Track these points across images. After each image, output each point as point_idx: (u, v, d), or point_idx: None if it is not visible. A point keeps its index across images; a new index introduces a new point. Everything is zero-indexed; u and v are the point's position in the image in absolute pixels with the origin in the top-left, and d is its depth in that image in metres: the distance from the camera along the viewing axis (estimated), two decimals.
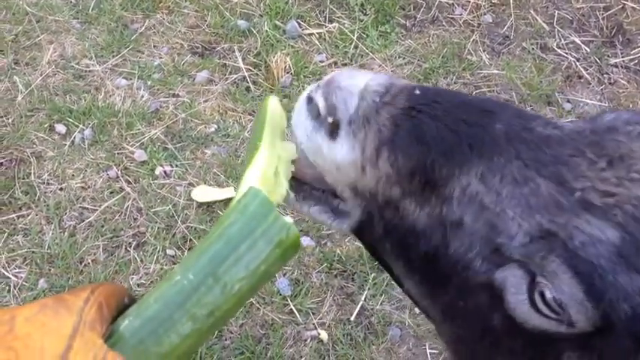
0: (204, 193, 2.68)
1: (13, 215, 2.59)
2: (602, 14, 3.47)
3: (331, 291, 2.48)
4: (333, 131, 0.93)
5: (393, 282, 1.24)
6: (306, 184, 1.03)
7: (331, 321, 2.42)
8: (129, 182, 2.71)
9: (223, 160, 2.79)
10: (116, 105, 2.95)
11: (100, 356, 0.71)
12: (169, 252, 2.53)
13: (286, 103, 2.99)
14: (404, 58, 3.25)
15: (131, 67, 3.11)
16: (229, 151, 2.83)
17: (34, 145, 2.79)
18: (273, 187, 0.92)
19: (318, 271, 2.52)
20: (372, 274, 2.50)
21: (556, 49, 3.34)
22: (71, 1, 3.35)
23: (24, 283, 2.43)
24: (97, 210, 2.62)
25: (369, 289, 2.48)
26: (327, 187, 1.01)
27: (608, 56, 3.34)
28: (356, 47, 3.26)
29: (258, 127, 0.98)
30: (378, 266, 2.00)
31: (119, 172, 2.73)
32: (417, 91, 0.91)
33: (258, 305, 2.42)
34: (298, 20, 3.32)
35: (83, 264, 2.49)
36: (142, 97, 3.00)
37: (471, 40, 3.34)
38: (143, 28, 3.26)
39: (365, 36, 3.30)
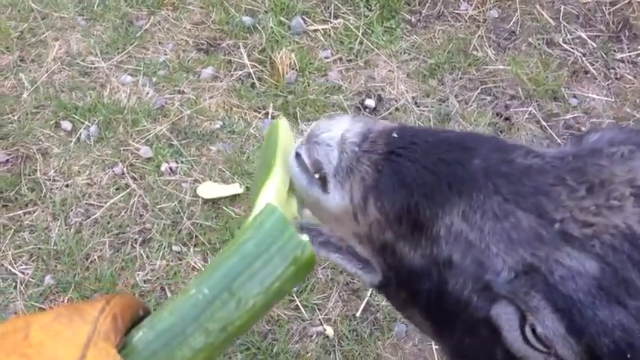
0: (209, 190, 2.68)
1: (20, 212, 2.60)
2: (609, 9, 3.45)
3: (337, 287, 2.48)
4: (323, 184, 0.95)
5: None
6: (322, 233, 1.05)
7: (337, 317, 2.42)
8: (134, 179, 2.72)
9: (229, 157, 2.79)
10: (121, 102, 2.95)
11: None
12: (175, 248, 2.53)
13: (291, 99, 2.99)
14: (409, 54, 3.24)
15: (136, 63, 3.11)
16: (234, 148, 2.83)
17: (40, 142, 2.80)
18: (287, 206, 0.94)
19: (324, 267, 2.51)
20: None
21: (562, 44, 3.33)
22: None
23: (30, 279, 2.44)
24: (102, 206, 2.63)
25: None
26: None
27: (615, 51, 3.32)
28: (361, 43, 3.25)
29: (271, 147, 0.99)
30: None
31: (125, 169, 2.73)
32: (395, 134, 0.92)
33: None
34: (303, 16, 3.31)
35: (89, 260, 2.50)
36: (148, 93, 3.00)
37: (477, 35, 3.33)
38: (148, 25, 3.26)
39: (370, 32, 3.30)
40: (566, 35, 3.36)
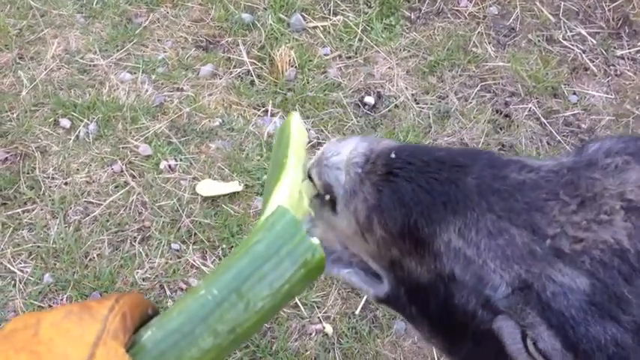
0: (208, 187, 2.68)
1: (19, 210, 2.60)
2: (609, 6, 3.44)
3: (336, 285, 2.48)
4: (333, 206, 0.97)
5: None
6: (334, 251, 1.07)
7: (336, 314, 2.42)
8: (133, 176, 2.71)
9: (228, 154, 2.78)
10: (120, 99, 2.94)
11: None
12: (174, 246, 2.53)
13: (291, 96, 2.99)
14: (409, 51, 3.24)
15: (135, 61, 3.10)
16: (234, 145, 2.83)
17: (39, 140, 2.79)
18: (299, 207, 0.94)
19: None
20: None
21: (562, 40, 3.32)
22: None
23: (29, 277, 2.44)
24: (101, 204, 2.62)
25: None
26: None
27: (615, 48, 3.31)
28: (360, 40, 3.25)
29: (283, 145, 0.99)
30: None
31: (124, 167, 2.73)
32: (393, 154, 0.93)
33: None
34: (302, 13, 3.31)
35: (88, 258, 2.50)
36: (147, 91, 2.99)
37: (477, 32, 3.32)
38: (147, 22, 3.26)
39: (369, 29, 3.29)
40: (566, 32, 3.36)
